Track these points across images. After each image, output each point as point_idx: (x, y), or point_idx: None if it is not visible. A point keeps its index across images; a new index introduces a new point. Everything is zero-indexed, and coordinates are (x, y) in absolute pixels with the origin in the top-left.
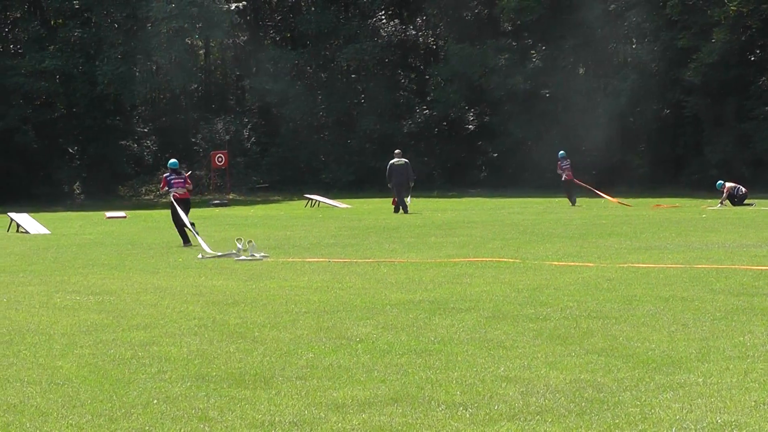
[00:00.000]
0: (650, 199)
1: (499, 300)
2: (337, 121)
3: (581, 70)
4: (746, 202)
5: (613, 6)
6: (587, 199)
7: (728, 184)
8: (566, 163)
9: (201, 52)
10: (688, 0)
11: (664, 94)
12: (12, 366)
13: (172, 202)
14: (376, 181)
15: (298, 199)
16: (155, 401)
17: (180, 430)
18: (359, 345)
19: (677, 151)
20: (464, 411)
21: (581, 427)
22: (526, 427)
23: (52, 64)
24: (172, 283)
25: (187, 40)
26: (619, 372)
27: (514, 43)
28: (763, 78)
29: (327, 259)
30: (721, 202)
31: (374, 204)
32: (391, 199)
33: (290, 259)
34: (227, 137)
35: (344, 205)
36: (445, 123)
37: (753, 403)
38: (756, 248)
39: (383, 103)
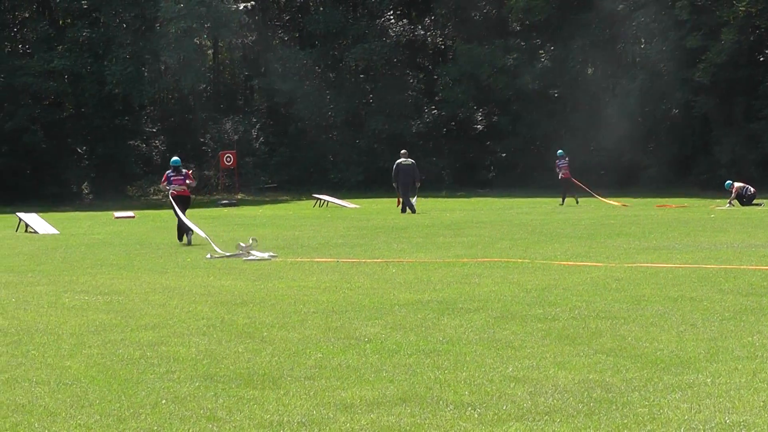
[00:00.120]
0: (659, 200)
1: (508, 300)
2: (345, 120)
3: (590, 70)
4: (755, 202)
5: (621, 6)
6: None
7: (737, 184)
8: (564, 162)
9: (209, 52)
10: (697, 0)
11: (673, 94)
12: (21, 366)
13: (171, 200)
14: (384, 181)
15: (307, 199)
16: (164, 401)
17: (188, 430)
18: (368, 345)
19: (686, 151)
20: (473, 411)
21: (590, 427)
22: (535, 428)
23: (61, 64)
24: (181, 283)
25: (195, 40)
26: (628, 372)
27: (522, 43)
28: None
29: (335, 259)
30: (730, 202)
31: (383, 204)
32: (396, 200)
33: (299, 259)
34: (236, 137)
35: (353, 205)
36: (453, 123)
37: (762, 404)
38: (765, 248)
39: (392, 103)
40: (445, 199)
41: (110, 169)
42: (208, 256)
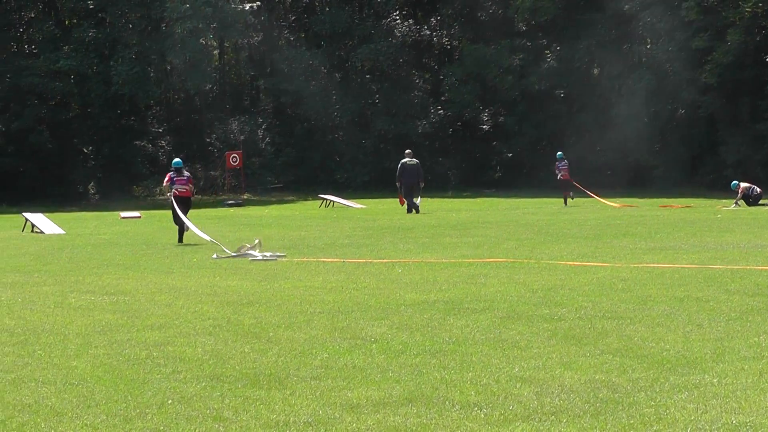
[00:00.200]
0: (666, 200)
1: (514, 300)
2: (351, 121)
3: (596, 71)
4: (761, 202)
5: (627, 6)
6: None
7: (743, 185)
8: (563, 164)
9: (216, 52)
10: (704, 1)
11: (679, 94)
12: (27, 366)
13: (172, 200)
14: (390, 182)
15: (313, 200)
16: (170, 401)
17: (195, 430)
18: (374, 345)
19: (692, 152)
20: (479, 411)
21: (596, 427)
22: (541, 428)
23: (67, 64)
24: (187, 283)
25: (201, 40)
26: (634, 372)
27: (528, 44)
28: None
29: (341, 260)
30: (736, 203)
31: (389, 204)
32: (398, 199)
33: (305, 260)
34: (242, 137)
35: (359, 206)
36: (459, 123)
37: None
38: None
39: (398, 104)
40: (452, 200)
41: (116, 170)
42: (215, 256)
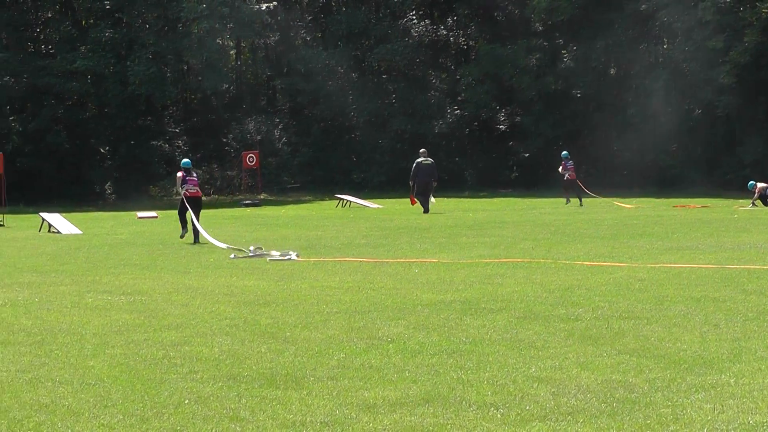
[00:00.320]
0: (682, 200)
1: (531, 300)
2: (368, 121)
3: (612, 71)
4: None
5: (644, 6)
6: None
7: (760, 185)
8: (570, 164)
9: (232, 52)
10: (721, 1)
11: (696, 94)
12: (44, 366)
13: (182, 199)
14: (407, 182)
15: (330, 199)
16: (187, 401)
17: (211, 430)
18: (390, 345)
19: (709, 152)
20: (495, 411)
21: (612, 427)
22: (558, 428)
23: (84, 64)
24: (204, 283)
25: (218, 40)
26: (651, 372)
27: (545, 43)
28: None
29: (358, 260)
30: (753, 203)
31: (405, 204)
32: (409, 198)
33: (321, 260)
34: (258, 137)
35: (375, 205)
36: (476, 123)
37: None
38: None
39: (414, 104)
40: (468, 200)
41: (133, 170)
42: (232, 256)
